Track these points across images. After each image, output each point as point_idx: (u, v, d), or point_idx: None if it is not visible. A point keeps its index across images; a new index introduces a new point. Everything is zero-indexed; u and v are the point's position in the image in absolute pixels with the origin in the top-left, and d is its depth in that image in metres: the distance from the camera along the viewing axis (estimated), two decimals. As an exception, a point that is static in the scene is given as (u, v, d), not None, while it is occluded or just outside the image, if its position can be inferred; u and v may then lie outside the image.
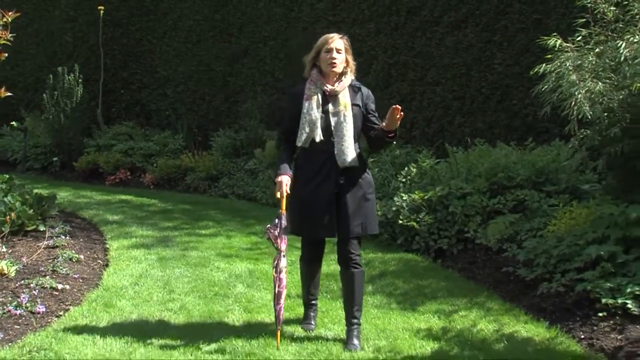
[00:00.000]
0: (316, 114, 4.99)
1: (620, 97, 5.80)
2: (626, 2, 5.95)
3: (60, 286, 6.13)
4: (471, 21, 9.79)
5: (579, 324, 5.26)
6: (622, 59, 5.53)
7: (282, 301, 4.95)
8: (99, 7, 14.26)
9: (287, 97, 5.33)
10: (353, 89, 5.12)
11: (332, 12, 11.64)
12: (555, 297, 5.67)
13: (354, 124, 5.03)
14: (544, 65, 6.16)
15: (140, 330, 5.34)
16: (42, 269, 6.53)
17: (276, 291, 4.94)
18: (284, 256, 4.97)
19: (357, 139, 5.08)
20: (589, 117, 5.89)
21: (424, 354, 4.87)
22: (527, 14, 9.14)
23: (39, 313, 5.58)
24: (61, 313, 5.67)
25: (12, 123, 14.66)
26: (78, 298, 6.04)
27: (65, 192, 11.28)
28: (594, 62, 5.95)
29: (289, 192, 4.98)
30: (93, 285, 6.42)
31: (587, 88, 5.83)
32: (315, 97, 5.03)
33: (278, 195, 4.99)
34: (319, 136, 4.97)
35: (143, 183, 12.48)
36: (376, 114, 5.19)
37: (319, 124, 4.98)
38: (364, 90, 5.19)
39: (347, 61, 5.10)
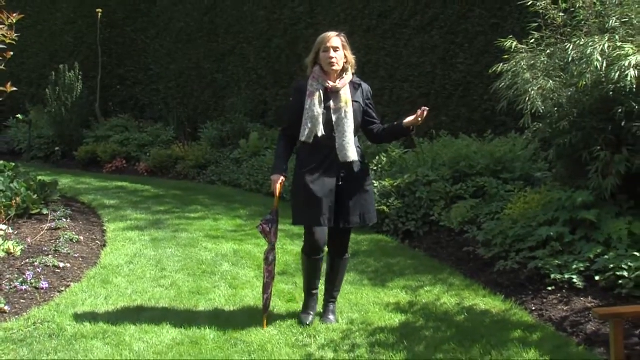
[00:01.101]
0: (318, 110, 4.74)
1: (569, 93, 5.83)
2: (573, 9, 6.00)
3: (62, 264, 6.11)
4: (436, 24, 9.81)
5: (531, 297, 5.31)
6: (570, 59, 5.57)
7: (269, 291, 4.85)
8: (97, 10, 14.15)
9: (291, 92, 5.06)
10: (354, 85, 4.89)
11: (310, 15, 11.62)
12: (510, 274, 5.72)
13: (355, 120, 4.81)
14: (501, 64, 6.18)
15: (135, 304, 5.35)
16: (46, 248, 6.50)
17: (265, 281, 4.83)
18: (274, 249, 4.84)
19: (356, 133, 4.87)
20: (541, 111, 5.93)
21: (393, 325, 4.90)
22: (486, 18, 9.18)
23: (42, 289, 5.56)
24: (63, 289, 5.66)
25: (17, 116, 14.55)
26: (78, 275, 6.02)
27: (66, 179, 11.21)
28: (545, 62, 5.99)
29: (282, 190, 4.85)
30: (92, 263, 6.40)
31: (539, 85, 5.87)
32: (317, 93, 4.77)
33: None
34: (321, 131, 4.72)
35: (137, 171, 12.42)
36: (374, 108, 5.03)
37: (321, 120, 4.73)
38: (364, 86, 4.97)
39: (346, 57, 4.84)
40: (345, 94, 4.80)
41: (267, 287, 4.84)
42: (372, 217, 4.95)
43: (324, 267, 5.11)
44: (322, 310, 5.06)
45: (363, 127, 4.98)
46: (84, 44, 14.90)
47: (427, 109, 4.84)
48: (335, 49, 4.78)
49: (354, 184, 4.82)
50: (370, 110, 4.97)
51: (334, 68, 4.77)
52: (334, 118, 4.75)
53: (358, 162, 4.84)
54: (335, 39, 4.80)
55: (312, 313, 5.02)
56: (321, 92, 4.78)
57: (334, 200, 4.76)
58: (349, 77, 4.86)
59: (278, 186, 4.83)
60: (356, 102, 4.85)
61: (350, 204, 4.79)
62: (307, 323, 4.89)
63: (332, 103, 4.78)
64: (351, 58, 4.87)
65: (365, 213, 4.87)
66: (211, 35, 13.30)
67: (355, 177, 4.83)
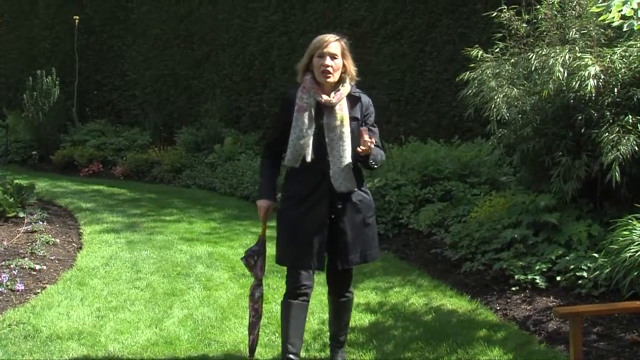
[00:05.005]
0: (307, 130, 3.85)
1: (532, 101, 5.90)
2: (535, 21, 6.09)
3: (37, 267, 6.05)
4: (405, 33, 9.87)
5: (495, 297, 5.35)
6: (533, 68, 5.65)
7: (256, 331, 4.10)
8: (75, 17, 14.02)
9: (280, 102, 4.12)
10: (352, 99, 3.96)
11: (284, 24, 11.63)
12: (476, 275, 5.76)
13: (353, 141, 3.88)
14: (468, 72, 6.25)
15: (110, 306, 5.31)
16: (22, 251, 6.43)
17: (251, 320, 4.09)
18: (260, 285, 4.08)
19: (355, 156, 3.92)
20: (506, 118, 6.01)
21: (363, 325, 4.92)
22: (453, 28, 9.26)
23: (18, 291, 5.50)
24: (39, 291, 5.60)
25: (-6, 120, 14.39)
26: (54, 277, 5.96)
27: (43, 182, 11.07)
28: (510, 71, 6.06)
29: (268, 217, 4.05)
30: (68, 266, 6.35)
31: (504, 93, 5.95)
32: (308, 109, 3.87)
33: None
34: (310, 155, 3.85)
35: (114, 174, 12.32)
36: (376, 128, 4.06)
37: (310, 142, 3.85)
38: (364, 99, 4.03)
39: (345, 67, 3.93)
40: (342, 110, 3.91)
41: (253, 327, 4.09)
42: (375, 254, 4.11)
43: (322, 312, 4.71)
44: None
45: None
46: (62, 50, 14.75)
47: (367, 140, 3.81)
48: (333, 57, 3.88)
49: (352, 216, 3.95)
50: (369, 129, 3.96)
51: (328, 79, 3.88)
52: (327, 139, 3.88)
53: (358, 191, 3.98)
54: (334, 44, 3.89)
55: None
56: (312, 108, 3.89)
57: (327, 237, 3.91)
58: (346, 88, 3.94)
59: (264, 213, 4.02)
60: (354, 119, 3.96)
61: (348, 241, 3.93)
62: None
63: (325, 120, 3.89)
64: (351, 68, 3.96)
65: (366, 250, 4.02)
66: (187, 42, 13.25)
67: (354, 209, 3.95)
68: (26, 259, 6.15)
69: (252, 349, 4.11)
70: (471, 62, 6.30)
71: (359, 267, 6.23)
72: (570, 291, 5.12)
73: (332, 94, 3.90)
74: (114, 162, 12.66)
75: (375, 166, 3.96)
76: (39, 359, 4.35)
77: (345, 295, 4.18)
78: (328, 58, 3.87)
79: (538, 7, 6.07)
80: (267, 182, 4.07)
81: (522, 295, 5.24)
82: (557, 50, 5.39)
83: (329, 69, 3.87)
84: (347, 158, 3.88)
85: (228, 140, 11.46)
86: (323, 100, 3.88)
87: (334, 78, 3.90)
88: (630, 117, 5.15)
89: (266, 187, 4.06)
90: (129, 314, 5.13)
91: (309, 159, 3.87)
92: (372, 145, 3.81)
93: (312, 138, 3.87)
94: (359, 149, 3.81)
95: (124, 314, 5.12)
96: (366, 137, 3.79)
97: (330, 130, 3.88)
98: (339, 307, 4.20)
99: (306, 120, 3.87)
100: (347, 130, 3.89)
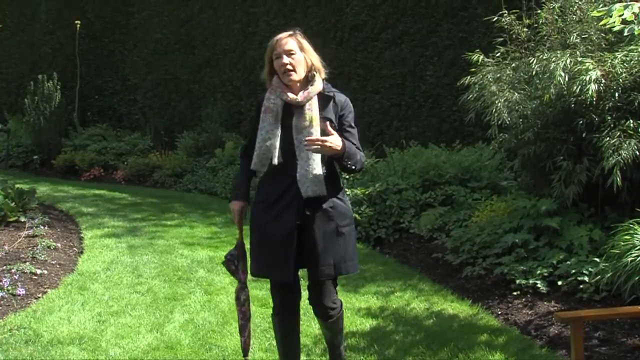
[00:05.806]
0: (273, 131, 3.64)
1: (533, 106, 5.91)
2: (536, 25, 6.10)
3: (39, 271, 6.05)
4: (406, 38, 9.88)
5: (497, 301, 5.35)
6: (534, 73, 5.66)
7: (247, 333, 3.90)
8: (76, 21, 14.05)
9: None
10: (324, 97, 3.71)
11: (285, 28, 11.62)
12: (477, 279, 5.76)
13: None
14: (469, 77, 6.26)
15: (111, 310, 5.31)
16: (23, 255, 6.43)
17: (240, 323, 3.91)
18: (245, 287, 3.87)
19: (327, 159, 3.66)
20: (507, 122, 6.01)
21: (364, 330, 4.91)
22: (454, 32, 9.26)
23: (19, 295, 5.50)
24: (40, 295, 5.60)
25: (-5, 125, 14.41)
26: (55, 282, 5.96)
27: (45, 187, 11.08)
28: (510, 75, 6.07)
29: (243, 218, 3.82)
30: (69, 270, 6.34)
31: (505, 97, 5.95)
32: (275, 109, 3.65)
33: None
34: (277, 158, 3.62)
35: (115, 179, 12.33)
36: (354, 129, 3.76)
37: (277, 144, 3.62)
38: (340, 98, 3.77)
39: (307, 62, 3.68)
40: (311, 110, 3.66)
41: (243, 329, 3.90)
42: (351, 266, 3.75)
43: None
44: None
45: None
46: (63, 55, 14.78)
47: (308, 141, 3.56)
48: (290, 53, 3.65)
49: (323, 224, 3.65)
50: (345, 131, 3.71)
51: (291, 77, 3.64)
52: (295, 141, 3.64)
53: (329, 197, 3.68)
54: (287, 41, 3.68)
55: None
56: (280, 108, 3.67)
57: (295, 245, 3.64)
58: (316, 87, 3.71)
59: (237, 215, 3.80)
60: (326, 119, 3.67)
61: (318, 251, 3.63)
62: None
63: (294, 121, 3.65)
64: (314, 61, 3.71)
65: (340, 262, 3.69)
66: (187, 47, 13.27)
67: (324, 216, 3.66)
68: (27, 263, 6.15)
69: (245, 349, 3.94)
70: (472, 66, 6.31)
71: (361, 272, 6.22)
72: (571, 296, 5.12)
73: (300, 93, 3.66)
74: (115, 167, 12.68)
75: (354, 167, 3.65)
76: (40, 364, 4.36)
77: (330, 315, 3.83)
78: (284, 56, 3.63)
79: (539, 11, 6.08)
80: (239, 184, 3.86)
81: (524, 299, 5.24)
82: (558, 55, 5.40)
83: (288, 66, 3.62)
84: (316, 161, 3.62)
85: (229, 144, 11.47)
86: (289, 99, 3.65)
87: (296, 75, 3.65)
88: (631, 121, 5.16)
89: (238, 189, 3.85)
90: (130, 318, 5.13)
91: (275, 161, 3.64)
92: (319, 143, 3.51)
93: (278, 140, 3.65)
94: (305, 141, 3.57)
95: (125, 319, 5.11)
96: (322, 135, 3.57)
97: (298, 132, 3.63)
98: (327, 327, 3.93)
99: (272, 121, 3.66)
100: (316, 132, 3.61)
